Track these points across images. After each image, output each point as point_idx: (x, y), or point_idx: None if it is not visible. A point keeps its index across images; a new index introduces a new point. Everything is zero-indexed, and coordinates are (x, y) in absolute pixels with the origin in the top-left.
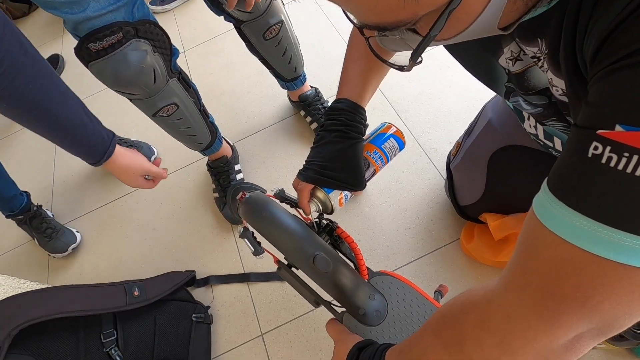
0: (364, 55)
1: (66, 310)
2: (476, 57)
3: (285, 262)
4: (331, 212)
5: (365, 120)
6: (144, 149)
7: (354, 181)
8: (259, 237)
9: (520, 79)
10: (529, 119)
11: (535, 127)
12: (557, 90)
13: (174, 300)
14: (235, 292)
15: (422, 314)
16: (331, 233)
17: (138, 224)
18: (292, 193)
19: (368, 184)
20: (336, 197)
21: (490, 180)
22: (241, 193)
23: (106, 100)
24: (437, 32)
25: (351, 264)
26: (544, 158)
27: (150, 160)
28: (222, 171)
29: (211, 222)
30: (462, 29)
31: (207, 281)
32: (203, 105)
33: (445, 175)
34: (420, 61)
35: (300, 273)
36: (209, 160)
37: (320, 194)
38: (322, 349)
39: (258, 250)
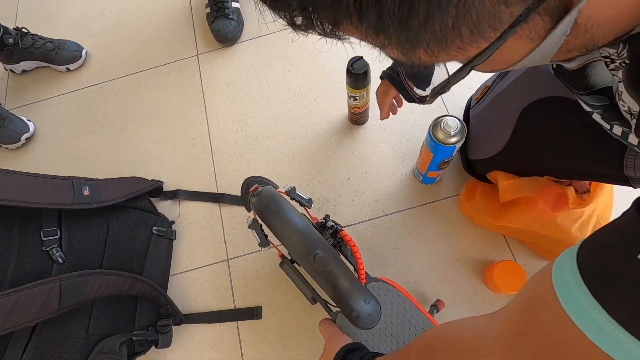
0: None
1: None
2: None
3: (289, 257)
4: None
5: None
6: (68, 45)
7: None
8: (266, 231)
9: (577, 76)
10: None
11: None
12: (624, 106)
13: (134, 208)
14: (205, 212)
15: (413, 325)
16: (335, 235)
17: (104, 120)
18: (303, 192)
19: (370, 120)
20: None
21: (516, 134)
22: (255, 186)
23: None
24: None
25: (351, 267)
26: (590, 121)
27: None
28: None
29: (188, 132)
30: (502, 68)
31: (175, 194)
32: None
33: None
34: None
35: (301, 270)
36: None
37: None
38: (289, 284)
39: (264, 242)
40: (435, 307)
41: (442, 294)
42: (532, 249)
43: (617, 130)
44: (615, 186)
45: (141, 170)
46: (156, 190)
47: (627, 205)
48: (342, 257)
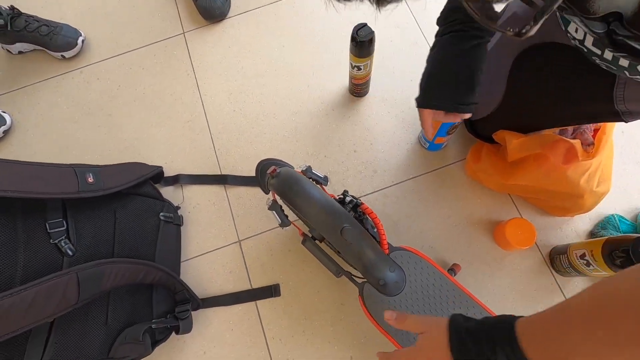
0: None
1: None
2: None
3: (310, 235)
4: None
5: None
6: (65, 31)
7: (457, 97)
8: (286, 211)
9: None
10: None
11: (585, 34)
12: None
13: (139, 195)
14: (210, 195)
15: (438, 288)
16: (355, 209)
17: (90, 108)
18: (318, 171)
19: (371, 91)
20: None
21: (511, 85)
22: (272, 167)
23: None
24: None
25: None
26: (584, 62)
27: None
28: None
29: (183, 114)
30: None
31: (176, 179)
32: None
33: None
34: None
35: (322, 246)
36: None
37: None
38: (305, 260)
39: (285, 222)
40: (453, 270)
41: (455, 256)
42: (538, 205)
43: (609, 55)
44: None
45: (136, 157)
46: (157, 176)
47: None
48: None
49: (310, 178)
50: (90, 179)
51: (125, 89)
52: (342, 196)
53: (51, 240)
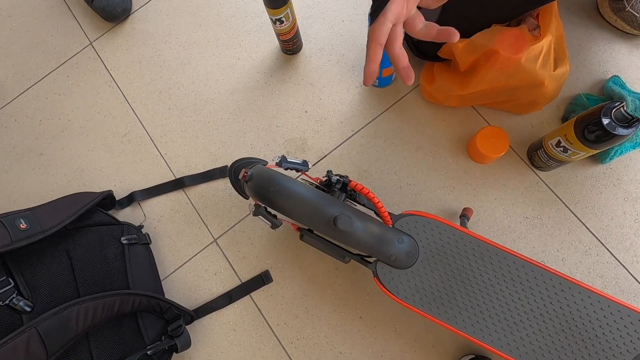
0: None
1: None
2: None
3: (306, 228)
4: None
5: None
6: None
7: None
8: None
9: None
10: None
11: None
12: None
13: (91, 226)
14: (171, 203)
15: (453, 244)
16: (344, 188)
17: (17, 153)
18: (294, 157)
19: (305, 44)
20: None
21: None
22: (243, 171)
23: None
24: None
25: (371, 214)
26: None
27: None
28: None
29: (117, 129)
30: None
31: (131, 199)
32: None
33: None
34: None
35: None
36: None
37: None
38: (287, 237)
39: (275, 223)
40: (465, 216)
41: (434, 185)
42: (504, 108)
43: None
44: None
45: (83, 189)
46: (109, 201)
47: None
48: (359, 206)
49: (287, 169)
50: (23, 225)
51: (48, 121)
52: (326, 178)
53: (1, 303)
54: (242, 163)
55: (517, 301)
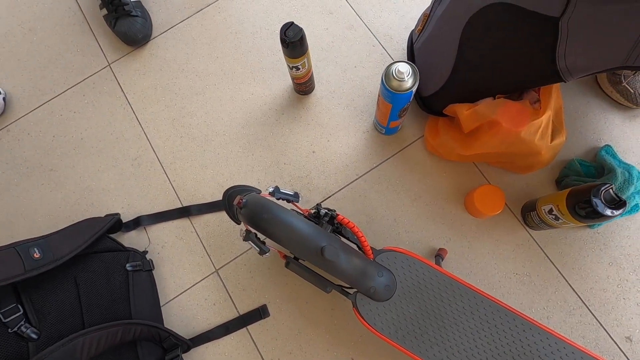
0: None
1: None
2: None
3: (292, 256)
4: None
5: None
6: None
7: None
8: (262, 236)
9: None
10: None
11: None
12: None
13: (98, 252)
14: (176, 230)
15: (428, 280)
16: (332, 221)
17: (27, 168)
18: (286, 189)
19: (317, 85)
20: None
21: (461, 53)
22: (238, 198)
23: None
24: None
25: (354, 247)
26: (526, 18)
27: None
28: None
29: (128, 152)
30: None
31: (137, 222)
32: None
33: None
34: None
35: (307, 263)
36: None
37: None
38: (287, 274)
39: (263, 249)
40: (440, 256)
41: (432, 234)
42: (503, 167)
43: None
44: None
45: (90, 209)
46: (116, 224)
47: None
48: (343, 239)
49: (280, 199)
50: (37, 254)
51: (60, 138)
52: (315, 210)
53: (9, 330)
54: (237, 190)
55: (483, 338)
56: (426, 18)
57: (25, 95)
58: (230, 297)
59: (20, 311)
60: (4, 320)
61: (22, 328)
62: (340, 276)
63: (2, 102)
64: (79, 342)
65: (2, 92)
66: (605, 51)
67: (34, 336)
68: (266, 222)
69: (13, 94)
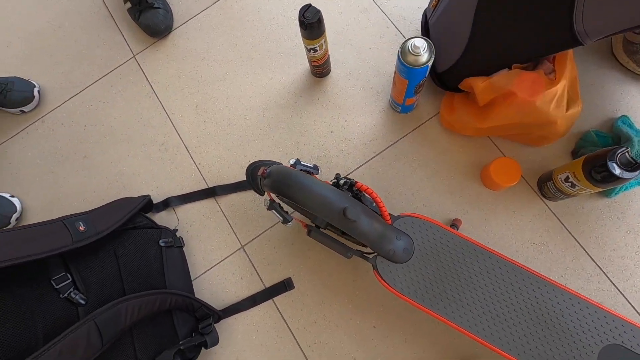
0: None
1: None
2: None
3: (314, 225)
4: None
5: None
6: (17, 85)
7: None
8: (285, 207)
9: None
10: None
11: None
12: None
13: (134, 228)
14: (203, 210)
15: (444, 243)
16: (351, 188)
17: (63, 155)
18: (306, 162)
19: (333, 68)
20: None
21: (476, 25)
22: (262, 169)
23: None
24: None
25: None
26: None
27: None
28: None
29: (155, 138)
30: None
31: (167, 203)
32: None
33: None
34: None
35: (328, 232)
36: None
37: None
38: (310, 248)
39: (287, 218)
40: (455, 225)
41: (450, 208)
42: (517, 140)
43: None
44: None
45: (122, 192)
46: (147, 205)
47: None
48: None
49: (300, 170)
50: (82, 227)
51: (92, 127)
52: (335, 180)
53: (61, 295)
54: (259, 163)
55: (499, 295)
56: None
57: (58, 88)
58: (256, 271)
59: (69, 279)
60: (56, 287)
61: (72, 294)
62: (361, 237)
63: (37, 94)
64: (123, 306)
65: (36, 85)
66: (623, 11)
67: (82, 302)
68: (290, 188)
69: (47, 87)
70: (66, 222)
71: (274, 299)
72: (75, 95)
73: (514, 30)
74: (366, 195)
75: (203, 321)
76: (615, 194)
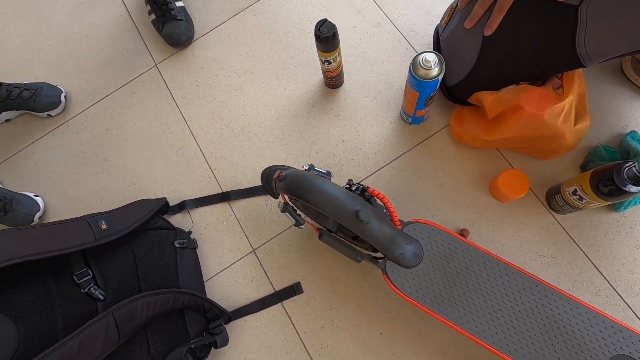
0: None
1: (23, 254)
2: None
3: (325, 229)
4: None
5: None
6: (45, 91)
7: None
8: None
9: None
10: None
11: None
12: None
13: (151, 229)
14: (217, 213)
15: (453, 250)
16: (363, 193)
17: (84, 158)
18: (320, 167)
19: (346, 80)
20: None
21: (485, 42)
22: (278, 172)
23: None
24: None
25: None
26: (553, 7)
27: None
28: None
29: (173, 143)
30: None
31: (182, 206)
32: None
33: None
34: None
35: (338, 236)
36: None
37: None
38: (319, 254)
39: (299, 221)
40: (463, 235)
41: (458, 218)
42: (526, 153)
43: None
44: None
45: (140, 194)
46: (164, 207)
47: None
48: None
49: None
50: (104, 226)
51: (113, 131)
52: (347, 185)
53: (82, 290)
54: (274, 168)
55: (507, 302)
56: (452, 10)
57: (83, 94)
58: (267, 274)
59: (89, 275)
60: (77, 282)
61: (92, 289)
62: (372, 239)
63: (64, 100)
64: (139, 303)
65: (63, 91)
66: (623, 36)
67: (101, 297)
68: (305, 190)
69: (72, 93)
70: (89, 220)
71: (283, 302)
72: (99, 100)
73: (520, 49)
74: (377, 200)
75: (214, 322)
76: (624, 208)
